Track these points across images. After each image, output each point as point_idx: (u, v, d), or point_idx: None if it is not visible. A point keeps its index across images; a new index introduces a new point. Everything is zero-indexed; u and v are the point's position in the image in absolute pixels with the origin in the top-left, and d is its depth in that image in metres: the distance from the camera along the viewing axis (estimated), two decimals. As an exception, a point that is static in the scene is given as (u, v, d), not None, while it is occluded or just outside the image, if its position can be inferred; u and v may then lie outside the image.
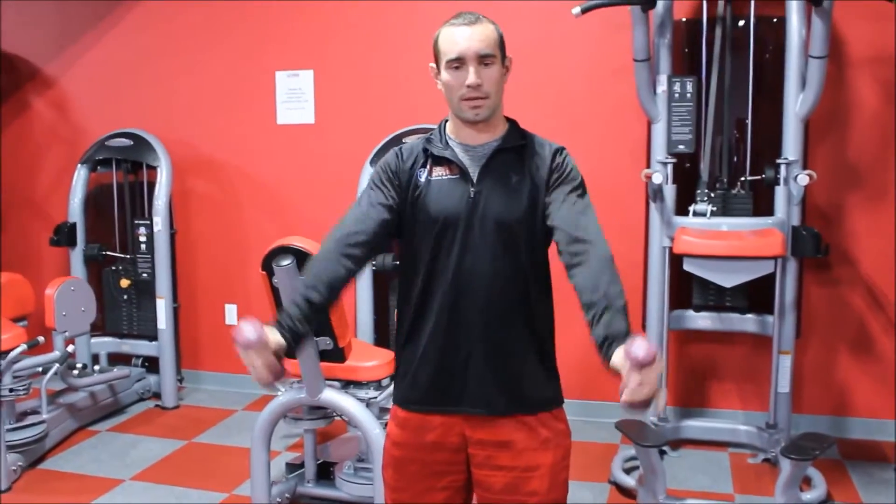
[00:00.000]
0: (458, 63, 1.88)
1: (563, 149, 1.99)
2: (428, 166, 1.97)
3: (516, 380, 1.96)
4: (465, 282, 1.91)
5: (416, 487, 2.04)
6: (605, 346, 1.71)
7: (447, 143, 1.98)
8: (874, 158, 4.23)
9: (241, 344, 1.77)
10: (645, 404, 1.62)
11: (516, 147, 1.96)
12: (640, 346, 1.59)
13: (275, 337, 1.81)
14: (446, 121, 2.02)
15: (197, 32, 5.24)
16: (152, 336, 5.10)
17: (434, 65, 1.96)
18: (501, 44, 1.93)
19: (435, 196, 1.94)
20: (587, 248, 1.83)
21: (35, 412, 4.31)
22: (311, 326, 1.91)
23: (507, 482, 1.96)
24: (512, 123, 2.02)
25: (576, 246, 1.84)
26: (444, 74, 1.91)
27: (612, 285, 1.79)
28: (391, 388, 3.45)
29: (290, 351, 1.85)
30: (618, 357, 1.65)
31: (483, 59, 1.88)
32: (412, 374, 2.01)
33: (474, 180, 1.93)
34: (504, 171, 1.93)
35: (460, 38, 1.88)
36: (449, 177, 1.95)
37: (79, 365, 4.69)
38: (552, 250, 1.98)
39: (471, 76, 1.87)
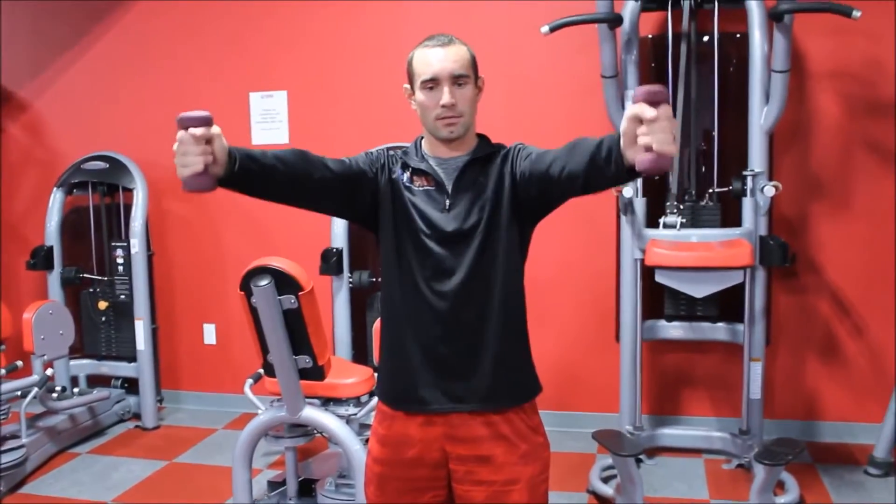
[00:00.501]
0: (433, 83, 1.93)
1: (520, 143, 2.05)
2: (408, 174, 2.03)
3: (490, 376, 1.99)
4: (440, 286, 1.97)
5: (399, 503, 2.06)
6: (613, 141, 1.68)
7: (423, 157, 2.04)
8: (837, 169, 4.33)
9: (184, 121, 1.64)
10: (668, 154, 1.52)
11: (486, 156, 2.02)
12: (645, 87, 1.54)
13: (223, 141, 1.70)
14: (421, 138, 2.08)
15: (170, 55, 5.27)
16: (131, 357, 5.09)
17: (408, 86, 2.02)
18: (474, 64, 1.99)
19: (416, 205, 2.00)
20: (565, 147, 1.87)
21: (14, 436, 4.28)
22: (261, 182, 1.83)
23: (487, 497, 2.00)
24: (482, 138, 2.08)
25: (557, 155, 1.87)
26: (419, 95, 1.97)
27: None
28: (371, 403, 3.49)
29: (229, 174, 1.74)
30: (626, 115, 1.58)
31: (457, 80, 1.93)
32: (394, 372, 2.08)
33: (449, 191, 1.99)
34: (476, 179, 2.00)
35: (434, 59, 1.93)
36: (427, 188, 2.01)
37: (58, 388, 4.68)
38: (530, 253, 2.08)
39: (445, 96, 1.92)
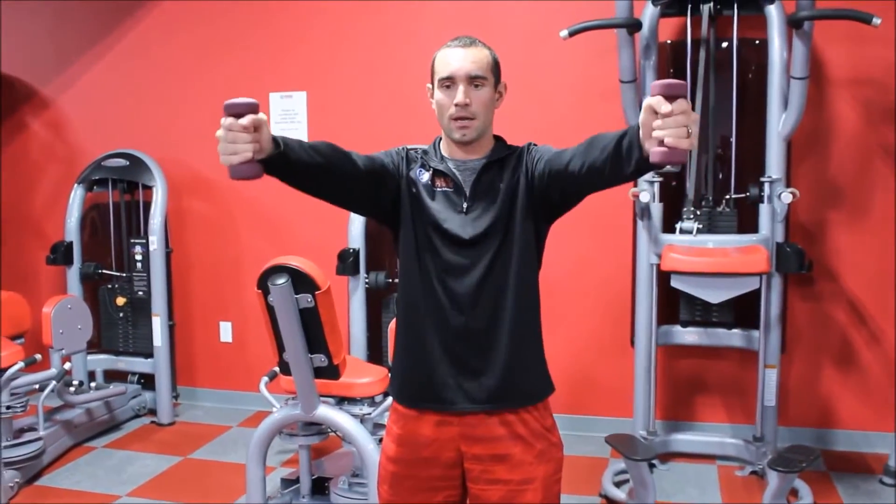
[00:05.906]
0: (450, 82, 1.96)
1: (531, 143, 2.07)
2: (430, 174, 2.05)
3: (502, 376, 2.00)
4: (456, 285, 1.99)
5: (412, 503, 2.07)
6: (633, 133, 1.67)
7: (442, 157, 2.06)
8: (855, 176, 4.31)
9: (231, 107, 1.61)
10: (681, 148, 1.51)
11: (502, 158, 2.04)
12: (664, 80, 1.51)
13: (268, 128, 1.69)
14: (440, 139, 2.10)
15: (191, 54, 5.32)
16: (148, 353, 5.14)
17: (430, 85, 2.04)
18: (494, 68, 2.01)
19: (435, 206, 2.01)
20: (583, 144, 1.89)
21: (32, 429, 4.34)
22: (301, 170, 1.82)
23: (502, 496, 2.01)
24: (498, 140, 2.10)
25: (576, 152, 1.89)
26: (437, 93, 2.00)
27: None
28: (385, 403, 3.51)
29: (273, 160, 1.72)
30: (644, 106, 1.57)
31: (473, 81, 1.96)
32: (409, 370, 2.09)
33: (467, 194, 2.01)
34: (493, 182, 2.01)
35: (453, 58, 1.96)
36: (445, 189, 2.03)
37: (75, 382, 4.72)
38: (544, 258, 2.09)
39: (459, 94, 1.95)
